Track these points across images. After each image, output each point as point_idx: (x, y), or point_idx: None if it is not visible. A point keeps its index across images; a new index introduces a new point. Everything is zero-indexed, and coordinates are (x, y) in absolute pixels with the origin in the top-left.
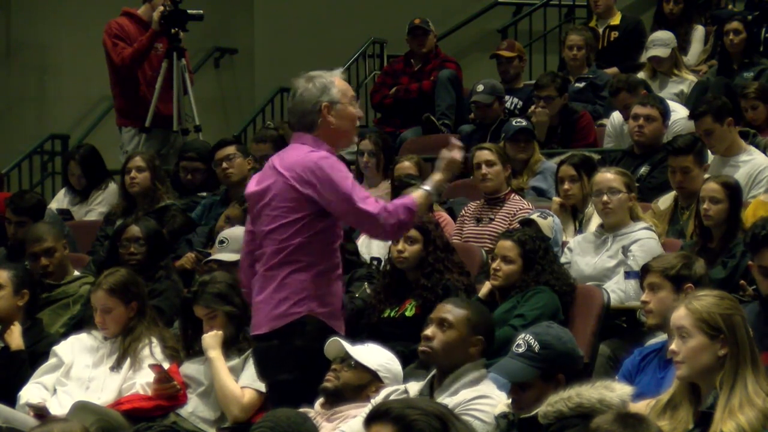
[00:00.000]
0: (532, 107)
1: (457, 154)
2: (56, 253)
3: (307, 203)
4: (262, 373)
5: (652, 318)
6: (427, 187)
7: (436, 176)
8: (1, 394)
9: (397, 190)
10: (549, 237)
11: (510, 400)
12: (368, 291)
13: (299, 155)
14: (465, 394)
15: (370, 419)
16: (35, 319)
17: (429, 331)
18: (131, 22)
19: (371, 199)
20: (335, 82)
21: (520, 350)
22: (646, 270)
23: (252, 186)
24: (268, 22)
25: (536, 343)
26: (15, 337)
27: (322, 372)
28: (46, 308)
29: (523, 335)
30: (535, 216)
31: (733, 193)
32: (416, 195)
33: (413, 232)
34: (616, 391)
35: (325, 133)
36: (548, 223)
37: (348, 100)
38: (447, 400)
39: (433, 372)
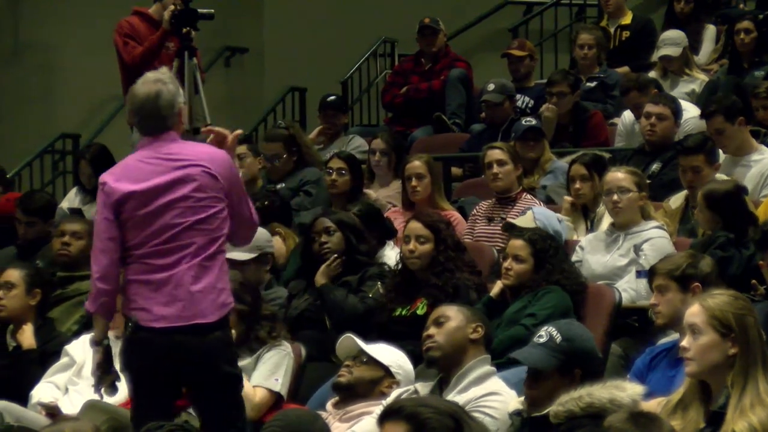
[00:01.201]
0: (545, 105)
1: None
2: (81, 240)
3: (224, 194)
4: (207, 368)
5: (662, 319)
6: None
7: None
8: (12, 393)
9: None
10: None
11: (523, 396)
12: (381, 290)
13: (203, 148)
14: (475, 391)
15: (383, 417)
16: (47, 318)
17: (429, 331)
18: (142, 21)
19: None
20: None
21: (542, 340)
22: (652, 273)
23: (127, 185)
24: (277, 22)
25: (558, 334)
26: (27, 337)
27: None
28: (59, 305)
29: (545, 327)
30: (515, 221)
31: (718, 203)
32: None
33: (424, 231)
34: (627, 390)
35: (178, 131)
36: (528, 218)
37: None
38: (457, 398)
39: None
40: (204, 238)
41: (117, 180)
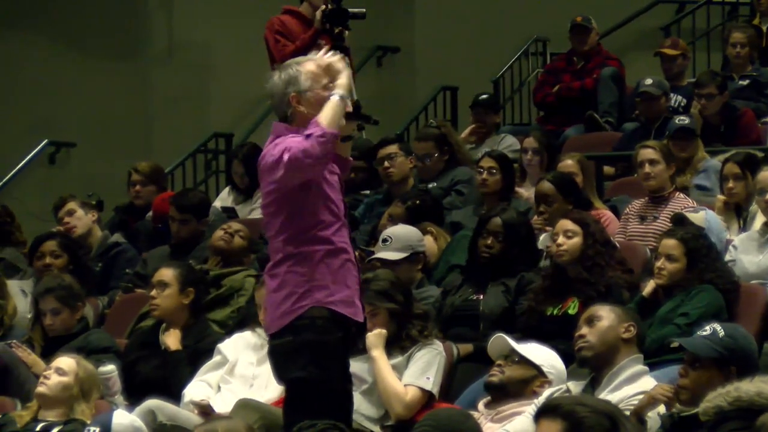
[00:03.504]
0: (695, 104)
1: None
2: (242, 240)
3: (274, 191)
4: (277, 372)
5: None
6: (335, 94)
7: (341, 80)
8: (165, 392)
9: None
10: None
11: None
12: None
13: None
14: (627, 390)
15: (539, 414)
16: (200, 316)
17: (581, 330)
18: (294, 18)
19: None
20: (303, 69)
21: (705, 333)
22: None
23: None
24: (429, 21)
25: (722, 330)
26: (173, 342)
27: (338, 369)
28: (218, 308)
29: (709, 324)
30: (687, 213)
31: None
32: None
33: (571, 225)
34: None
35: (302, 123)
36: (700, 216)
37: (322, 84)
38: (609, 396)
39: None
40: (270, 247)
41: None
